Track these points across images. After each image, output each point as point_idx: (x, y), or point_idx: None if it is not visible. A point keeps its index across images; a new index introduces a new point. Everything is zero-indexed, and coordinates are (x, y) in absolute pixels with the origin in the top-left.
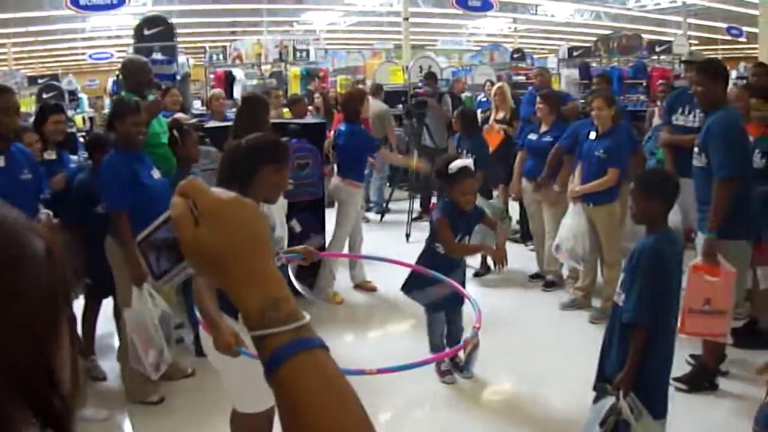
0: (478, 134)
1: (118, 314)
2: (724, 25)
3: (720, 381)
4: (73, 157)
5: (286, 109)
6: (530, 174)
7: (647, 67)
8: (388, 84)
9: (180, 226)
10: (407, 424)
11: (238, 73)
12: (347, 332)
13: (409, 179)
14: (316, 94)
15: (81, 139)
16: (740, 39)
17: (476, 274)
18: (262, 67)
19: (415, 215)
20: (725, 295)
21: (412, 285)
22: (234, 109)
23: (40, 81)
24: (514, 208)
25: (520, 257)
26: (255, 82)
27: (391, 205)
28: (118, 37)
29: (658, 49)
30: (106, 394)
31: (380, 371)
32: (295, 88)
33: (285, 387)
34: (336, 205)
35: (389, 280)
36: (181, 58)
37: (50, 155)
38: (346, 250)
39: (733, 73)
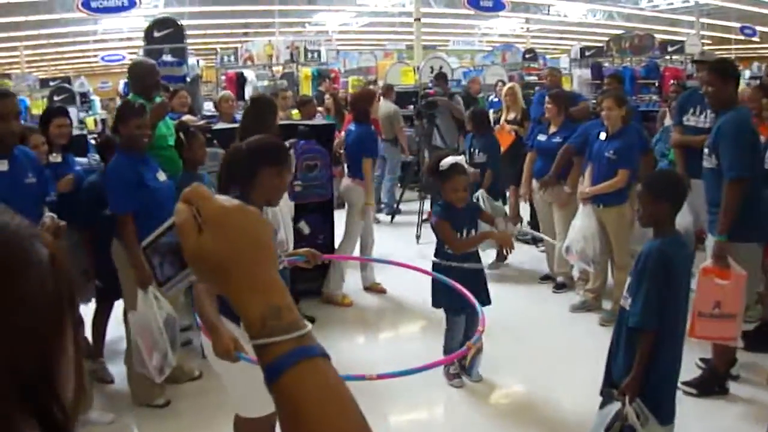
0: (491, 134)
1: (126, 317)
2: (738, 25)
3: (730, 385)
4: (83, 160)
5: (295, 111)
6: (540, 175)
7: (660, 67)
8: (399, 84)
9: (183, 232)
10: (416, 428)
11: (249, 74)
12: (357, 334)
13: (419, 180)
14: (327, 95)
15: (92, 141)
16: (754, 39)
17: (489, 266)
18: (274, 68)
19: (425, 216)
20: (736, 298)
21: (439, 296)
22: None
23: (51, 84)
24: (525, 210)
25: (531, 258)
26: (266, 83)
27: (401, 206)
28: (129, 39)
29: (670, 49)
30: (113, 397)
31: (380, 377)
32: (306, 89)
33: (286, 395)
34: (346, 206)
35: (399, 283)
36: (192, 60)
37: (55, 158)
38: (357, 252)
39: (747, 73)
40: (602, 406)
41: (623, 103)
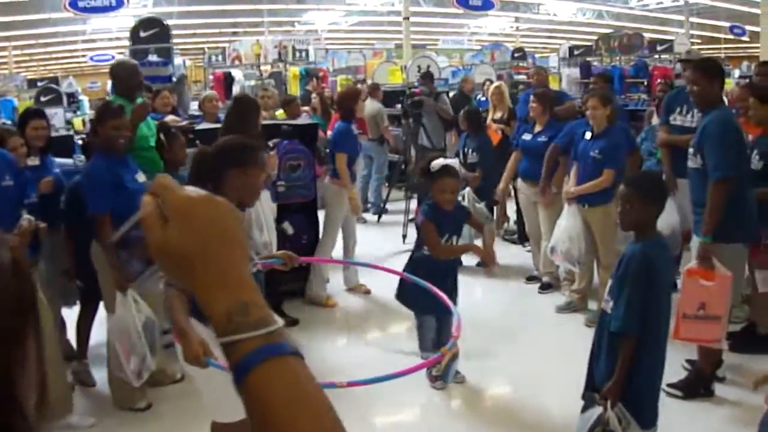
0: (484, 133)
1: None
2: (727, 24)
3: (716, 387)
4: (68, 161)
5: (281, 111)
6: (525, 174)
7: (648, 66)
8: (386, 84)
9: (147, 225)
10: (397, 430)
11: (237, 74)
12: (340, 336)
13: (406, 179)
14: (314, 95)
15: (80, 142)
16: (743, 38)
17: (479, 264)
18: (262, 68)
19: (411, 216)
20: (720, 300)
21: (405, 292)
22: None
23: (39, 84)
24: (511, 209)
25: (518, 258)
26: (253, 82)
27: (388, 206)
28: (118, 39)
29: (659, 48)
30: (94, 401)
31: (350, 384)
32: (294, 89)
33: (254, 395)
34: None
35: (383, 284)
36: (178, 60)
37: (33, 161)
38: (340, 251)
39: (736, 73)
40: (584, 410)
41: (608, 102)
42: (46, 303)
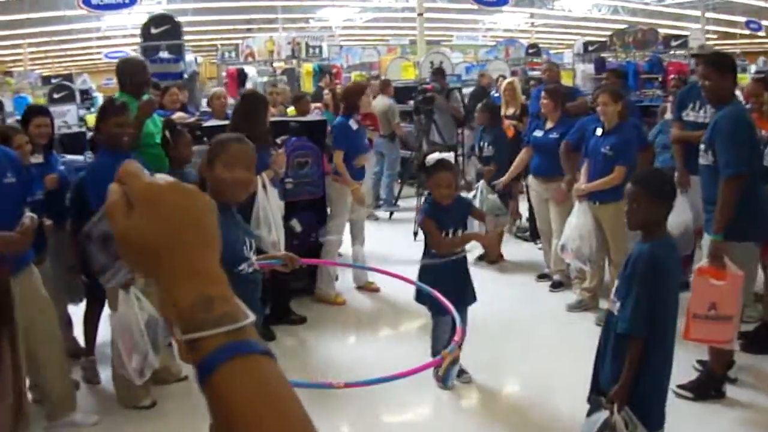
0: (499, 127)
1: None
2: (743, 19)
3: (728, 389)
4: (79, 158)
5: (292, 108)
6: (537, 171)
7: (663, 62)
8: (399, 80)
9: (111, 213)
10: (403, 430)
11: (250, 70)
12: (348, 334)
13: (418, 176)
14: (326, 91)
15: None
16: (759, 33)
17: (480, 258)
18: (275, 65)
19: None
20: (732, 299)
21: (421, 294)
22: None
23: (54, 81)
24: (523, 206)
25: (529, 256)
26: (266, 79)
27: (400, 202)
28: (133, 36)
29: (674, 44)
30: (99, 399)
31: (348, 385)
32: (308, 85)
33: (217, 396)
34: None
35: (392, 282)
36: (189, 57)
37: (37, 159)
38: (349, 253)
39: (752, 68)
40: (589, 413)
41: (619, 98)
42: (50, 300)
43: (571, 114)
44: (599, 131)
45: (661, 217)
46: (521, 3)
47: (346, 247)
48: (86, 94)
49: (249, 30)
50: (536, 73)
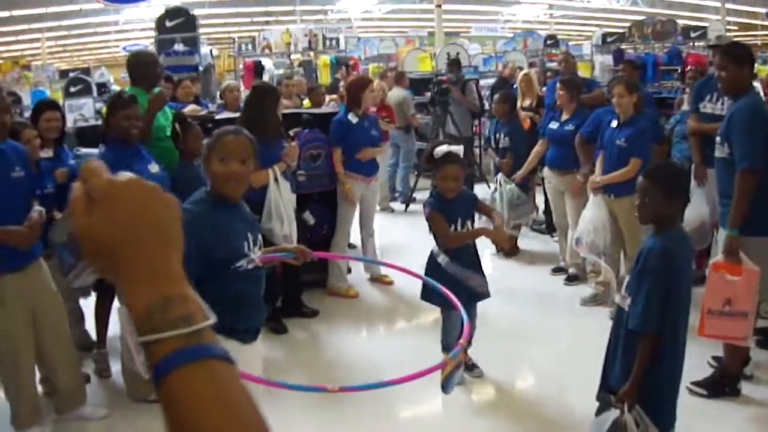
0: (516, 118)
1: None
2: (764, 10)
3: (743, 386)
4: (94, 150)
5: (307, 100)
6: (552, 164)
7: (682, 53)
8: (416, 71)
9: (73, 211)
10: (411, 425)
11: (267, 63)
12: (360, 328)
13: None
14: (342, 83)
15: None
16: None
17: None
18: (292, 57)
19: None
20: (747, 295)
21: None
22: None
23: (71, 74)
24: (539, 199)
25: (545, 248)
26: (283, 71)
27: (416, 194)
28: (151, 29)
29: (693, 35)
30: (109, 392)
31: (342, 389)
32: (325, 77)
33: (170, 401)
34: None
35: (406, 275)
36: (204, 49)
37: (47, 153)
38: (359, 246)
39: None
40: (599, 412)
41: (635, 90)
42: (58, 294)
43: (586, 105)
44: (614, 123)
45: (673, 212)
46: None
47: (359, 239)
48: (104, 87)
49: (267, 22)
50: (554, 65)
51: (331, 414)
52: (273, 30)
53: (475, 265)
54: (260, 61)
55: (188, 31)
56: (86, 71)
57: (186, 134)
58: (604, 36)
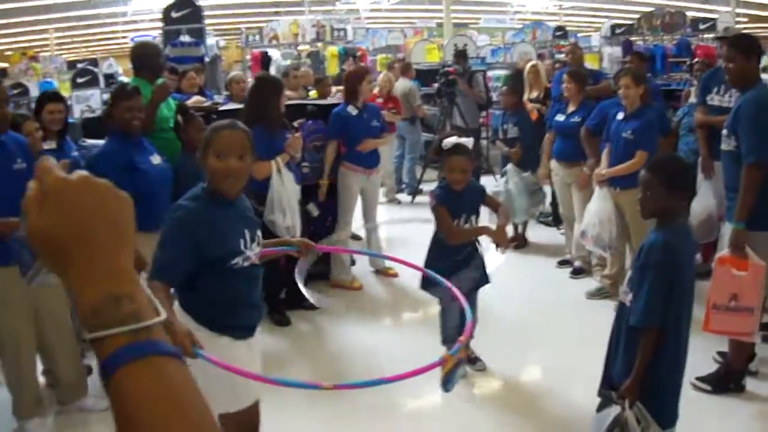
0: (523, 109)
1: None
2: None
3: (748, 382)
4: (101, 142)
5: (314, 91)
6: (559, 156)
7: (691, 45)
8: (423, 62)
9: (26, 210)
10: (411, 419)
11: (275, 53)
12: (363, 320)
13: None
14: None
15: None
16: None
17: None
18: (300, 47)
19: None
20: (753, 290)
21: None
22: None
23: (79, 66)
24: (546, 191)
25: (552, 241)
26: (290, 62)
27: (422, 186)
28: (159, 20)
29: (702, 27)
30: None
31: (336, 387)
32: (332, 68)
33: (118, 397)
34: None
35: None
36: (211, 40)
37: (50, 145)
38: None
39: None
40: (600, 408)
41: (642, 81)
42: (60, 286)
43: (592, 97)
44: (620, 115)
45: (675, 206)
46: None
47: (363, 231)
48: (111, 78)
49: (276, 13)
50: (563, 56)
51: (330, 409)
52: (281, 21)
53: (474, 257)
54: (267, 52)
55: (194, 22)
56: (94, 62)
57: (188, 125)
58: (613, 27)
